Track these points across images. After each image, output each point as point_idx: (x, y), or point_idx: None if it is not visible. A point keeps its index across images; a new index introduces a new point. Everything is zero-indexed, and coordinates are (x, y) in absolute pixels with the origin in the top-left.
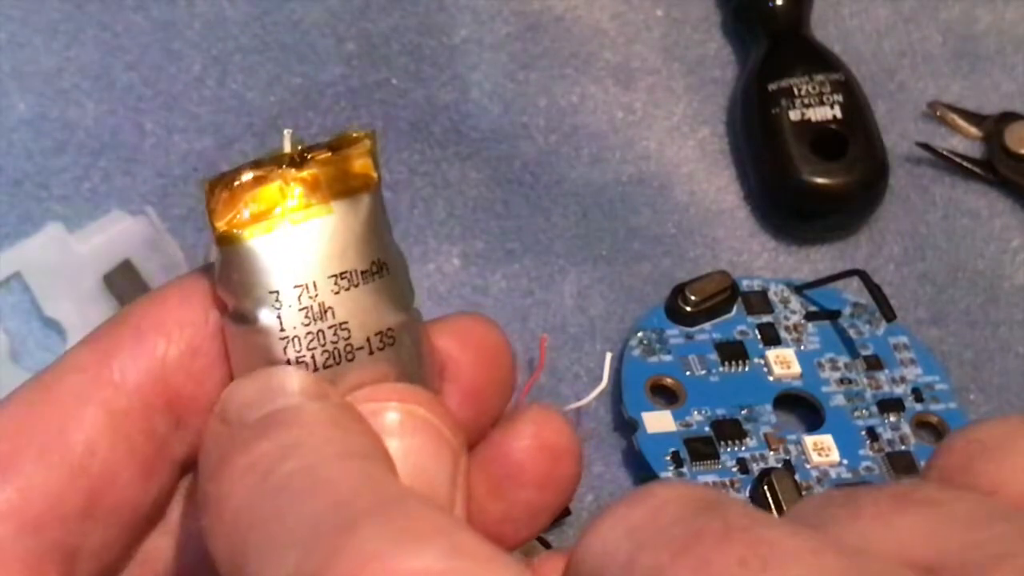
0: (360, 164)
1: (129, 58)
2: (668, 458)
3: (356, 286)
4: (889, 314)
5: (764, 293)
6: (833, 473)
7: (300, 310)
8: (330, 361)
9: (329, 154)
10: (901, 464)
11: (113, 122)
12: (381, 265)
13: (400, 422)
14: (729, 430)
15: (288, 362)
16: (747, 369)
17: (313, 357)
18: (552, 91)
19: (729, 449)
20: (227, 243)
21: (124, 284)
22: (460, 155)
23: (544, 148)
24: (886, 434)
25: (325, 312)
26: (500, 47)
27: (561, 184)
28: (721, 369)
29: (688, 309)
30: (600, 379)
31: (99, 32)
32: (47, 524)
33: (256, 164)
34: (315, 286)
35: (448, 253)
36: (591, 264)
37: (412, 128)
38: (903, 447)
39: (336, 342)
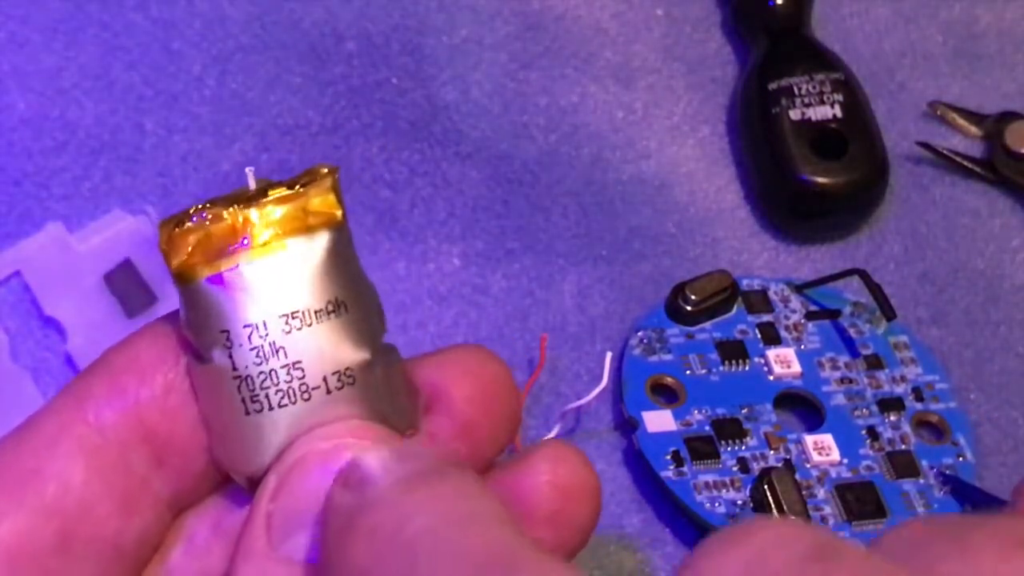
0: (319, 201)
1: (129, 58)
2: (668, 457)
3: (309, 325)
4: (889, 313)
5: (764, 292)
6: (833, 472)
7: (251, 349)
8: (285, 401)
9: (287, 192)
10: (901, 463)
11: (113, 122)
12: (339, 304)
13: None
14: (729, 429)
15: (243, 401)
16: (747, 368)
17: (267, 396)
18: (552, 91)
19: (729, 448)
20: (182, 282)
21: (124, 284)
22: (460, 155)
23: (544, 148)
24: (886, 433)
25: (277, 352)
26: (500, 47)
27: (561, 184)
28: (721, 368)
29: (688, 308)
30: (600, 378)
31: (99, 32)
32: (20, 560)
33: (212, 202)
34: (266, 325)
35: (448, 253)
36: (591, 263)
37: (412, 128)
38: (903, 446)
39: (290, 381)
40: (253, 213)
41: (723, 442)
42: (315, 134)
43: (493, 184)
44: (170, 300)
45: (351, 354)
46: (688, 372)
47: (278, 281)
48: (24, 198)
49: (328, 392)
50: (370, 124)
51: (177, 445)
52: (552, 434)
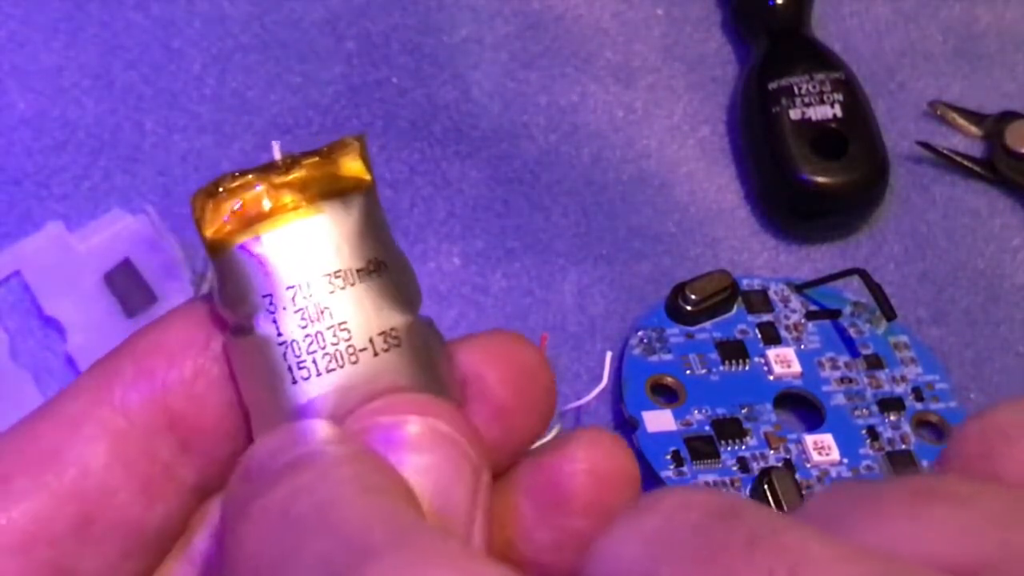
0: (349, 167)
1: (129, 57)
2: (668, 457)
3: (353, 284)
4: (889, 313)
5: (764, 292)
6: (833, 472)
7: (296, 311)
8: (332, 365)
9: (317, 159)
10: (901, 463)
11: (113, 121)
12: (379, 264)
13: (418, 436)
14: (729, 429)
15: (289, 369)
16: (747, 368)
17: (314, 361)
18: (552, 90)
19: (729, 448)
20: (217, 252)
21: (124, 283)
22: (460, 154)
23: (544, 147)
24: (886, 433)
25: (322, 313)
26: (500, 46)
27: (561, 183)
28: (721, 368)
29: (688, 308)
30: (600, 378)
31: (99, 31)
32: (36, 544)
33: (242, 172)
34: (309, 286)
35: (448, 252)
36: (591, 263)
37: (412, 127)
38: (903, 446)
39: (336, 344)
40: (285, 180)
41: (723, 442)
42: (315, 133)
43: (493, 184)
44: (170, 299)
45: (395, 315)
46: (688, 372)
47: (317, 242)
48: (24, 197)
49: (375, 355)
50: (370, 124)
51: (204, 431)
52: (552, 434)
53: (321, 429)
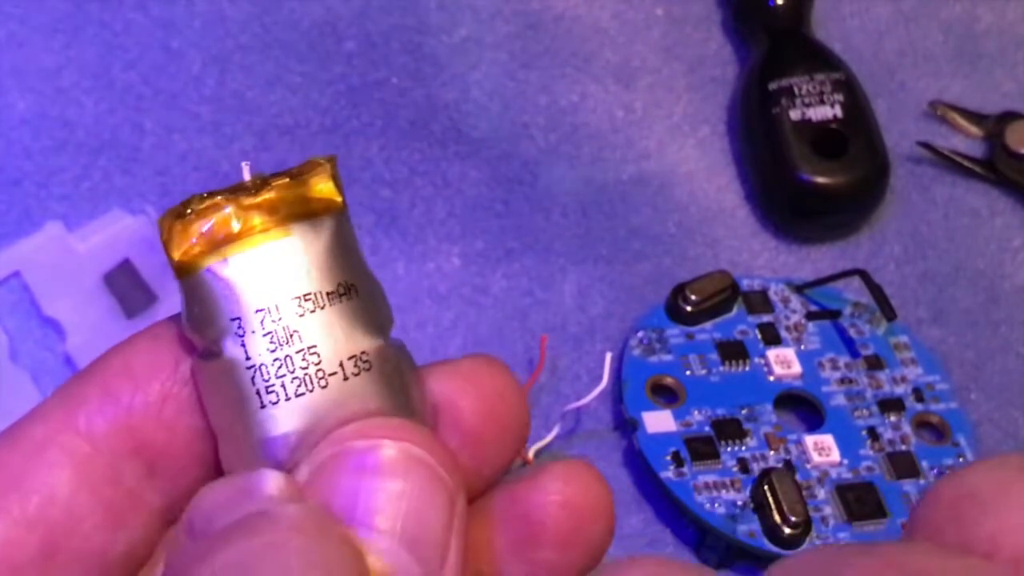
0: (320, 188)
1: (129, 57)
2: (668, 458)
3: (323, 308)
4: (890, 313)
5: (764, 292)
6: (834, 473)
7: (264, 335)
8: (302, 389)
9: (287, 180)
10: (902, 464)
11: (113, 121)
12: (349, 287)
13: (392, 460)
14: (729, 429)
15: (257, 393)
16: (747, 369)
17: (283, 385)
18: (552, 90)
19: (729, 449)
20: (185, 274)
21: (124, 284)
22: (460, 154)
23: (544, 147)
24: (887, 434)
25: (291, 336)
26: (500, 46)
27: (561, 184)
28: (721, 368)
29: (688, 308)
30: (600, 378)
31: (99, 31)
32: (0, 572)
33: (210, 194)
34: (278, 309)
35: (448, 252)
36: (591, 263)
37: (412, 127)
38: (904, 447)
39: (306, 367)
40: (254, 201)
41: (723, 442)
42: (315, 134)
43: (493, 184)
44: (170, 300)
45: (366, 339)
46: (688, 372)
47: (287, 265)
48: (23, 197)
49: (345, 379)
50: (370, 124)
51: (172, 456)
52: (552, 434)
53: (274, 483)
